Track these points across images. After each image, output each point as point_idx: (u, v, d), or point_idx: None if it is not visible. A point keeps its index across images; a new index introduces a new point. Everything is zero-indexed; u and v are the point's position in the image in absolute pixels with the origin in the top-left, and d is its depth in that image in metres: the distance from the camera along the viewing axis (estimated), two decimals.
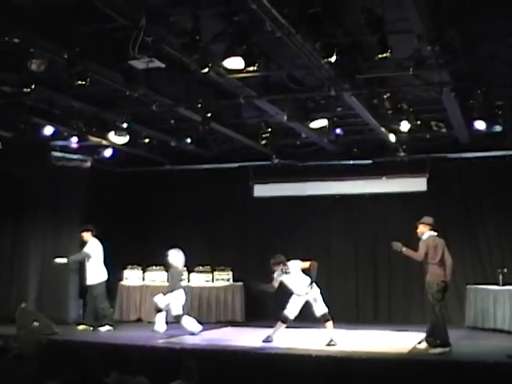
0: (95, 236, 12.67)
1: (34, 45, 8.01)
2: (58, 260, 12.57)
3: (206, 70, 8.12)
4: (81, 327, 12.60)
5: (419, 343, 10.55)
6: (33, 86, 8.80)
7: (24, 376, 6.26)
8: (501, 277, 12.28)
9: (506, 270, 11.94)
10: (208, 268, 14.57)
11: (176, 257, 12.04)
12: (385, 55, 7.53)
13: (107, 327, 12.47)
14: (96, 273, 12.56)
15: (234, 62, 7.87)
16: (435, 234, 10.27)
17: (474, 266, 13.63)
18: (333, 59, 7.60)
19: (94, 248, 12.61)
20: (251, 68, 7.96)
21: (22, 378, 6.21)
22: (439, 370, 9.11)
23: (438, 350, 9.84)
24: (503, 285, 12.20)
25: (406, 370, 9.21)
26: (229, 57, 7.79)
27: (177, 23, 7.73)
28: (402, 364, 9.45)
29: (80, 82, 8.40)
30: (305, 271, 10.68)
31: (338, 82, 9.27)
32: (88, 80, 8.42)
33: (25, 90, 8.82)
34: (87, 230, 12.67)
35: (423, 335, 10.45)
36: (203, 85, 10.20)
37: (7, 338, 9.57)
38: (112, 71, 9.00)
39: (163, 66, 8.00)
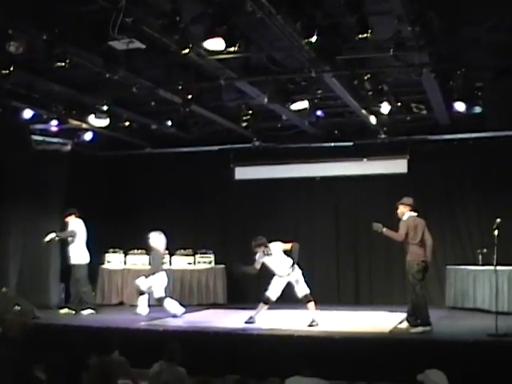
0: (79, 217, 12.64)
1: (12, 27, 7.93)
2: (48, 238, 12.50)
3: (187, 50, 8.09)
4: (63, 311, 12.60)
5: (400, 323, 10.65)
6: (11, 69, 8.72)
7: (8, 360, 6.25)
8: (480, 257, 12.37)
9: (485, 251, 12.00)
10: (190, 251, 14.59)
11: (157, 239, 12.04)
12: (365, 35, 7.56)
13: (89, 311, 12.46)
14: (78, 254, 12.53)
15: (215, 43, 7.85)
16: (415, 214, 10.33)
17: (454, 247, 13.74)
18: (313, 39, 7.61)
19: (77, 228, 12.57)
20: (232, 49, 7.94)
21: (6, 363, 6.21)
22: (420, 349, 9.19)
23: (419, 330, 9.94)
24: (483, 265, 12.29)
25: (387, 350, 9.29)
26: (209, 38, 7.77)
27: (156, 4, 7.69)
28: (384, 343, 9.52)
29: (59, 65, 8.37)
30: (286, 253, 10.73)
31: (319, 64, 9.27)
32: (67, 62, 8.38)
33: (3, 72, 8.72)
34: (70, 214, 12.63)
35: (404, 315, 10.54)
36: (184, 67, 10.16)
37: None
38: (91, 54, 8.94)
39: (143, 46, 7.97)
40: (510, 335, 9.27)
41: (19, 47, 8.09)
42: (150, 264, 12.98)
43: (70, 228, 12.62)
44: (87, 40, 8.54)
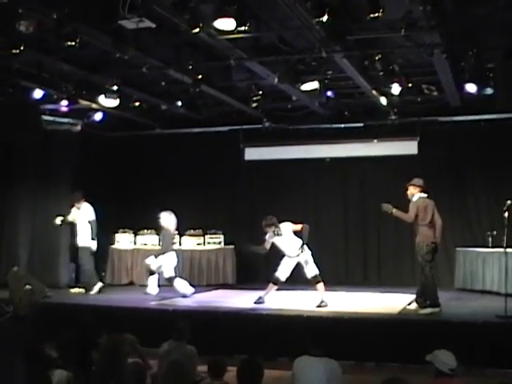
0: (86, 200, 12.64)
1: (22, 5, 7.90)
2: (58, 221, 12.58)
3: (197, 30, 8.05)
4: (74, 290, 12.66)
5: (409, 304, 10.66)
6: (21, 48, 8.70)
7: (19, 339, 6.29)
8: (490, 239, 12.35)
9: (495, 233, 11.98)
10: (199, 231, 14.63)
11: (168, 219, 12.06)
12: (376, 15, 7.50)
13: (98, 285, 12.46)
14: (86, 235, 12.55)
15: (225, 23, 7.83)
16: (425, 195, 10.31)
17: (464, 229, 13.70)
18: (324, 19, 7.56)
19: (86, 212, 12.58)
20: (242, 29, 7.90)
21: (17, 341, 6.25)
22: (429, 329, 9.23)
23: (428, 311, 9.96)
24: (492, 247, 12.26)
25: (396, 330, 9.35)
26: (219, 17, 7.74)
27: None
28: (393, 324, 9.57)
29: (69, 44, 8.31)
30: (296, 233, 10.73)
31: (329, 44, 9.19)
32: (77, 41, 8.33)
33: (13, 51, 8.70)
34: (79, 199, 12.59)
35: (413, 297, 10.55)
36: (193, 47, 10.13)
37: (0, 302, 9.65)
38: (101, 33, 8.89)
39: (153, 26, 7.95)
40: None
41: (29, 26, 8.06)
42: (159, 244, 13.02)
43: (81, 212, 12.60)
44: (97, 19, 8.49)
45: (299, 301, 11.19)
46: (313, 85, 10.80)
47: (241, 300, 11.47)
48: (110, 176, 15.40)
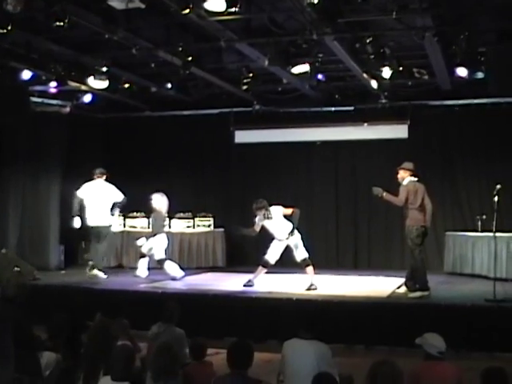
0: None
1: None
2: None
3: (187, 11, 7.99)
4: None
5: (399, 287, 10.69)
6: (9, 28, 8.59)
7: (8, 320, 6.26)
8: (479, 223, 12.38)
9: (484, 217, 12.02)
10: (189, 214, 14.58)
11: (160, 201, 12.02)
12: None
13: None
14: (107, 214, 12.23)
15: (215, 4, 7.79)
16: (415, 179, 10.31)
17: (454, 213, 13.72)
18: (315, 0, 7.50)
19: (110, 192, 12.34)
20: (232, 10, 7.85)
21: (5, 322, 6.21)
22: (418, 313, 9.26)
23: (418, 294, 9.99)
24: (482, 231, 12.30)
25: (385, 314, 9.38)
26: None
27: None
28: (382, 307, 9.60)
29: (58, 24, 8.21)
30: (287, 217, 10.72)
31: (320, 26, 9.13)
32: (66, 21, 8.23)
33: (0, 31, 8.59)
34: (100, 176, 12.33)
35: (403, 280, 10.58)
36: (184, 28, 10.05)
37: None
38: (91, 13, 8.80)
39: (143, 6, 7.87)
40: (507, 301, 9.32)
41: (17, 6, 7.92)
42: (149, 226, 12.96)
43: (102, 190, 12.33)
44: None
45: (289, 284, 11.21)
46: (303, 67, 10.73)
47: (230, 283, 11.47)
48: (99, 158, 15.28)
